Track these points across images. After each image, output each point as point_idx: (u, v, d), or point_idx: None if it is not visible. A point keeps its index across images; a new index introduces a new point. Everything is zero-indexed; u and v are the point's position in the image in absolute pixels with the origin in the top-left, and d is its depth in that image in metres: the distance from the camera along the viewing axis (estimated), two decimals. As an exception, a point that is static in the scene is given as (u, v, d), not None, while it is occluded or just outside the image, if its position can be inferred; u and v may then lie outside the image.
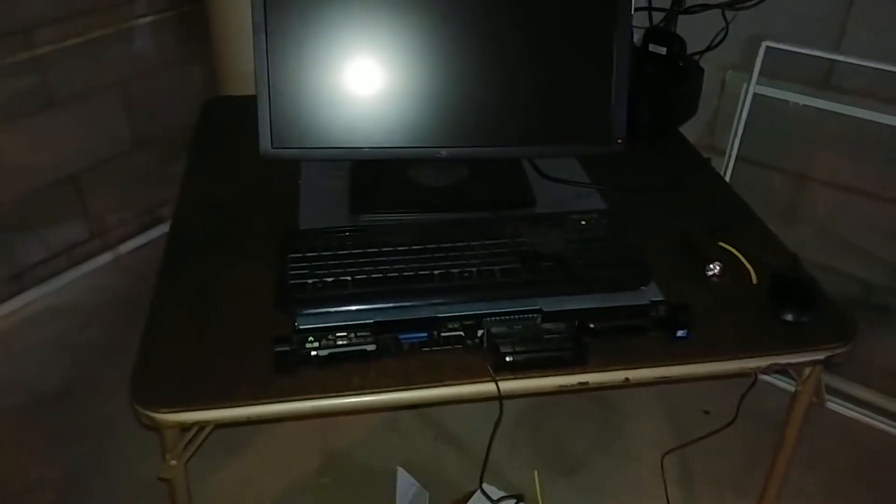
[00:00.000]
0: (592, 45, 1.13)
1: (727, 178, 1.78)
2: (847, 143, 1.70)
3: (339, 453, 1.70)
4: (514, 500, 1.23)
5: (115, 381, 1.80)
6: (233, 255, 1.13)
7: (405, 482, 1.52)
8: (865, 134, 1.66)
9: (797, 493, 1.60)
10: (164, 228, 2.37)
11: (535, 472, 1.49)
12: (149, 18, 2.13)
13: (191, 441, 0.95)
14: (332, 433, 1.74)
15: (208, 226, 1.19)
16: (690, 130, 1.63)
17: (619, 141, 1.14)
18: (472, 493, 1.49)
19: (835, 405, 1.80)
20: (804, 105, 1.69)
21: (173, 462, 0.95)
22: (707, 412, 1.78)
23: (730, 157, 1.78)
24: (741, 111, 1.73)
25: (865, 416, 1.78)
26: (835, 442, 1.73)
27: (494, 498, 1.29)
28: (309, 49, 1.07)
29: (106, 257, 2.25)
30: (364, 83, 1.11)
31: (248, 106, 1.43)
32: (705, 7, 1.59)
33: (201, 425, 0.92)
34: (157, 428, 0.91)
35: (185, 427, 0.92)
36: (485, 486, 1.48)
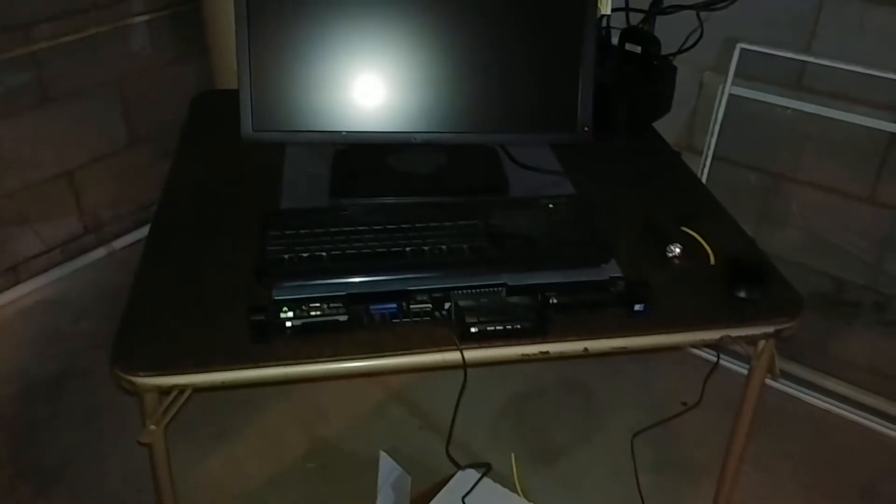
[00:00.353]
0: (562, 38, 1.19)
1: (703, 177, 1.84)
2: (820, 142, 1.75)
3: (326, 440, 1.74)
4: (483, 469, 1.26)
5: (106, 371, 1.85)
6: (216, 233, 1.18)
7: (388, 466, 1.56)
8: (837, 134, 1.71)
9: (772, 480, 1.65)
10: (157, 225, 2.42)
11: (513, 455, 1.54)
12: (145, 17, 2.18)
13: (169, 406, 0.99)
14: (318, 422, 1.78)
15: (193, 207, 1.24)
16: (670, 130, 1.68)
17: (586, 129, 1.19)
18: (451, 476, 1.54)
19: (809, 398, 1.84)
20: (780, 106, 1.74)
21: (153, 427, 0.99)
22: (685, 404, 1.82)
23: (706, 156, 1.83)
24: (717, 111, 1.79)
25: (839, 408, 1.82)
26: (808, 433, 1.77)
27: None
28: (289, 36, 1.13)
29: (100, 252, 2.30)
30: (343, 70, 1.16)
31: (235, 99, 1.49)
32: (679, 8, 1.65)
33: (179, 389, 0.96)
34: (136, 392, 0.96)
35: (163, 391, 0.97)
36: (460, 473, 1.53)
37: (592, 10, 1.17)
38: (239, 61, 1.12)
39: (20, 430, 1.73)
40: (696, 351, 1.91)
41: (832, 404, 1.83)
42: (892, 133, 1.65)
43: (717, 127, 1.79)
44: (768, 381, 1.82)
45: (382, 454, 1.57)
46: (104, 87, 2.17)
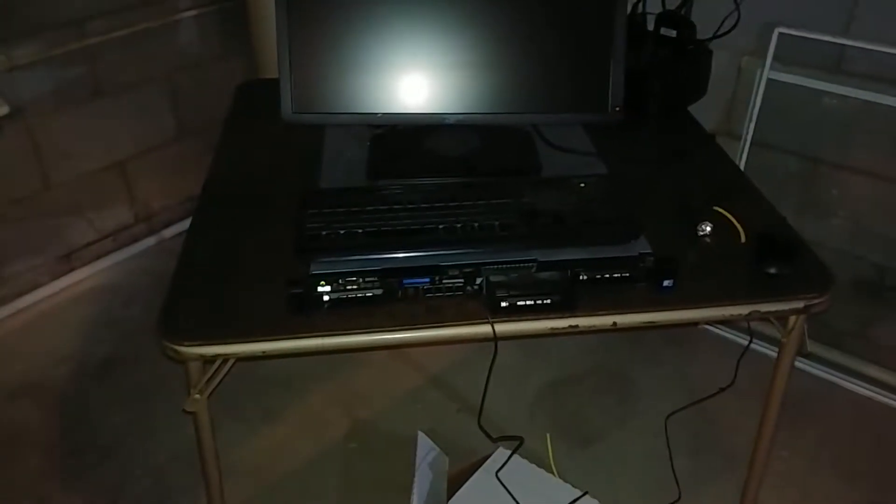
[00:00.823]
0: (593, 20, 1.21)
1: (742, 162, 1.83)
2: (860, 127, 1.74)
3: (366, 422, 1.78)
4: (516, 443, 1.29)
5: (155, 355, 1.92)
6: (258, 211, 1.23)
7: (425, 446, 1.60)
8: (877, 117, 1.70)
9: (811, 467, 1.64)
10: (205, 215, 2.49)
11: (548, 435, 1.56)
12: (193, 12, 2.25)
13: (212, 376, 1.03)
14: (358, 403, 1.82)
15: (237, 186, 1.30)
16: (709, 115, 1.68)
17: (617, 109, 1.21)
18: (488, 457, 1.57)
19: (851, 384, 1.83)
20: (819, 91, 1.73)
21: (197, 396, 1.04)
22: (723, 389, 1.82)
23: (745, 140, 1.83)
24: (755, 96, 1.78)
25: (879, 394, 1.80)
26: (848, 419, 1.76)
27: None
28: (327, 21, 1.17)
29: (150, 240, 2.38)
30: (379, 53, 1.20)
31: (278, 87, 1.54)
32: (714, -10, 1.65)
33: (221, 359, 1.01)
34: (182, 361, 1.01)
35: (207, 360, 1.01)
36: (501, 449, 1.56)
37: (623, -7, 1.19)
38: (279, 46, 1.16)
39: (73, 410, 1.80)
40: (730, 335, 1.91)
41: (874, 391, 1.81)
42: (934, 116, 1.63)
43: (756, 112, 1.79)
44: (812, 368, 1.82)
45: (420, 434, 1.60)
46: (154, 80, 2.24)
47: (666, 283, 1.05)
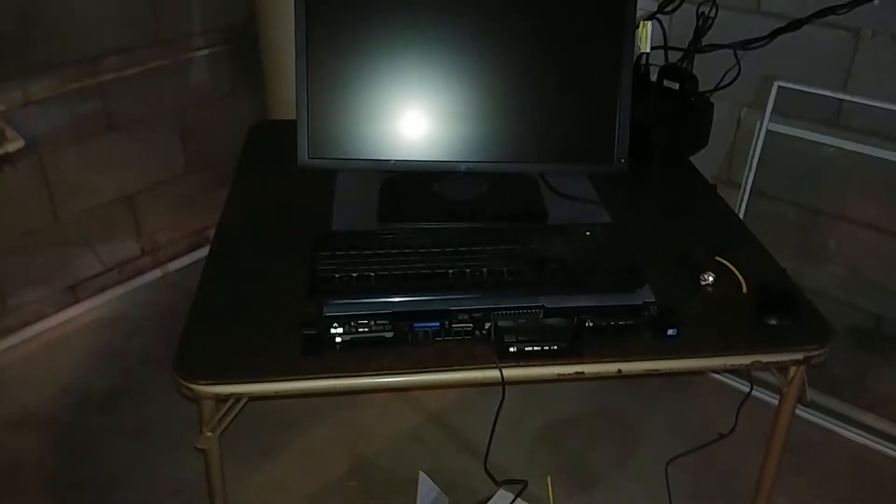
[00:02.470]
0: (600, 75, 1.25)
1: (741, 211, 1.87)
2: (857, 179, 1.78)
3: (367, 460, 1.79)
4: (519, 486, 1.30)
5: (159, 387, 1.95)
6: (271, 251, 1.26)
7: (426, 486, 1.61)
8: (874, 170, 1.74)
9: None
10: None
11: (549, 478, 1.57)
12: (205, 52, 2.30)
13: (225, 414, 1.05)
14: (359, 442, 1.83)
15: (251, 227, 1.33)
16: (709, 164, 1.72)
17: (623, 161, 1.25)
18: (489, 499, 1.57)
19: (848, 433, 1.84)
20: (817, 143, 1.77)
21: (209, 433, 1.06)
22: (722, 435, 1.84)
23: (745, 190, 1.87)
24: (755, 147, 1.83)
25: (878, 443, 1.82)
26: (845, 467, 1.78)
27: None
28: (344, 71, 1.21)
29: (155, 274, 2.40)
30: (393, 103, 1.24)
31: (290, 129, 1.58)
32: (717, 46, 1.70)
33: (235, 398, 1.03)
34: (195, 399, 1.03)
35: (220, 399, 1.03)
36: (501, 490, 1.57)
37: (630, 46, 1.23)
38: (297, 96, 1.20)
39: (76, 442, 1.81)
40: (730, 381, 1.93)
41: (871, 440, 1.82)
42: (930, 170, 1.68)
43: (756, 162, 1.83)
44: (810, 416, 1.84)
45: (421, 474, 1.61)
46: (165, 116, 2.28)
47: (670, 331, 1.08)
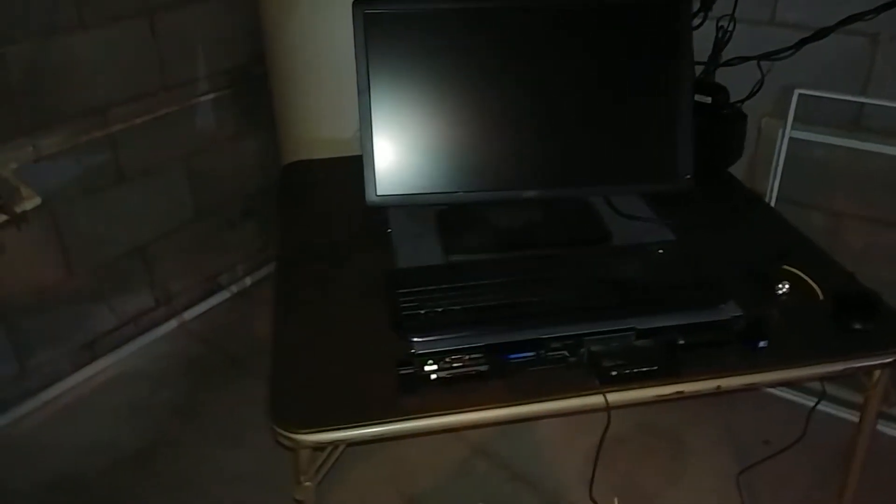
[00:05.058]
0: (659, 93, 1.27)
1: (768, 218, 1.89)
2: (881, 180, 1.81)
3: (420, 497, 1.75)
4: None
5: (191, 441, 1.90)
6: (339, 292, 1.23)
7: (487, 519, 1.59)
8: (892, 169, 1.77)
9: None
10: (224, 295, 2.48)
11: (616, 500, 1.55)
12: (210, 96, 2.27)
13: (323, 462, 1.03)
14: (406, 479, 1.80)
15: (310, 269, 1.30)
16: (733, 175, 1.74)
17: (688, 177, 1.25)
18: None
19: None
20: (839, 147, 1.80)
21: (307, 483, 1.03)
22: (767, 442, 1.84)
23: (770, 198, 1.89)
24: (778, 155, 1.85)
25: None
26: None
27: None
28: (408, 107, 1.21)
29: (171, 324, 2.35)
30: (457, 136, 1.24)
31: (322, 167, 1.57)
32: (743, 59, 1.73)
33: (335, 444, 1.00)
34: (294, 448, 1.00)
35: (320, 447, 1.01)
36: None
37: (688, 60, 1.24)
38: (363, 135, 1.20)
39: (115, 502, 1.75)
40: (772, 390, 1.94)
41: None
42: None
43: (780, 169, 1.86)
44: (846, 415, 1.85)
45: (482, 507, 1.59)
46: (173, 163, 2.25)
47: (761, 344, 1.07)
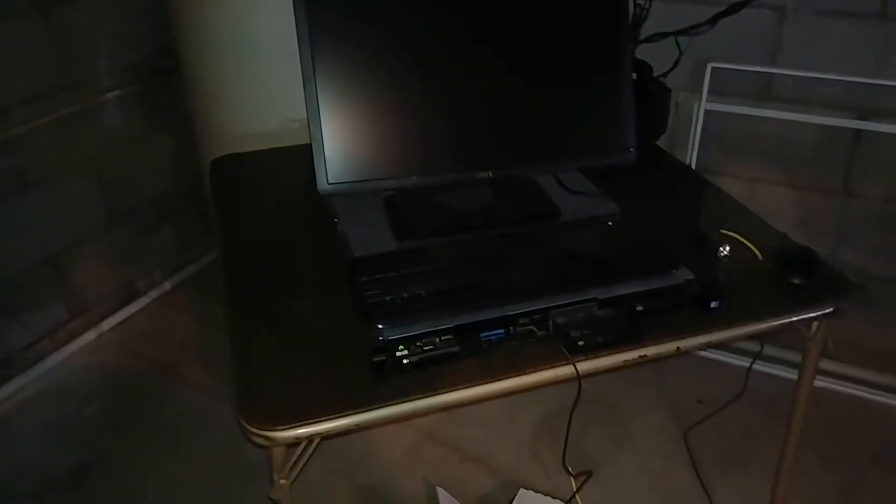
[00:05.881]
0: (601, 71, 1.30)
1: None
2: (790, 146, 1.91)
3: (371, 488, 1.74)
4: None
5: (127, 455, 1.82)
6: (293, 285, 1.21)
7: (446, 500, 1.59)
8: (806, 136, 1.87)
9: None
10: (143, 301, 2.39)
11: (572, 480, 1.59)
12: (115, 93, 2.17)
13: (297, 458, 1.01)
14: (360, 472, 1.78)
15: (259, 265, 1.26)
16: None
17: (632, 150, 1.29)
18: (512, 500, 1.58)
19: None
20: (752, 116, 1.89)
21: (283, 481, 1.01)
22: (700, 401, 1.93)
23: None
24: (695, 127, 1.92)
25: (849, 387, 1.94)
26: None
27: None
28: (355, 94, 1.19)
29: (90, 335, 2.24)
30: (407, 120, 1.23)
31: (253, 160, 1.53)
32: (663, 35, 1.78)
33: (312, 438, 0.98)
34: (269, 447, 0.97)
35: (295, 443, 0.98)
36: (522, 490, 1.58)
37: (626, 39, 1.28)
38: (311, 124, 1.17)
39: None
40: (700, 353, 2.02)
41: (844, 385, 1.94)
42: (856, 130, 1.82)
43: (697, 141, 1.93)
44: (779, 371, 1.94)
45: (439, 490, 1.60)
46: (81, 166, 2.14)
47: (713, 304, 1.12)
